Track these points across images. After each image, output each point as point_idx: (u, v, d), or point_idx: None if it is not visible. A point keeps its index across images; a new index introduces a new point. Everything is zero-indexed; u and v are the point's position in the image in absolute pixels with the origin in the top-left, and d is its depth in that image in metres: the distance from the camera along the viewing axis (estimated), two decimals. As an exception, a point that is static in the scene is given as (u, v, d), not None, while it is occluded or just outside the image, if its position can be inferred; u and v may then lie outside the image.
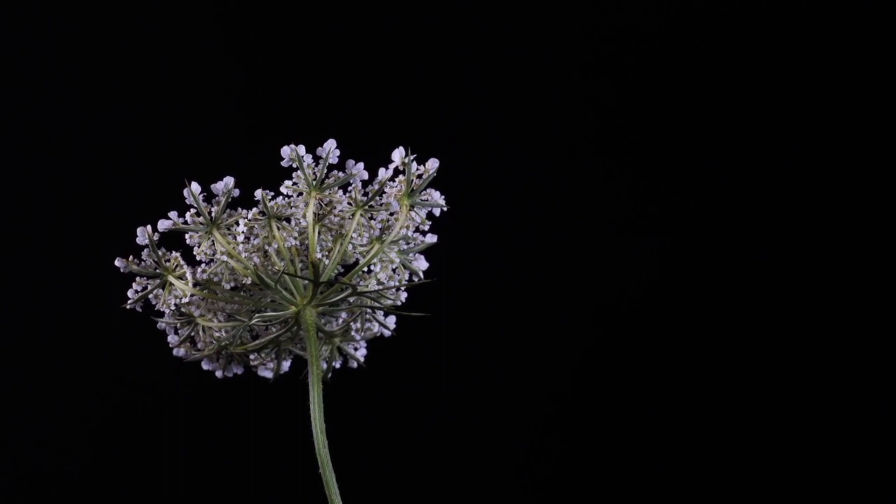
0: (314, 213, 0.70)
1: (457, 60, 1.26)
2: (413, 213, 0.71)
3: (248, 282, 0.70)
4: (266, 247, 0.70)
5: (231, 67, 1.26)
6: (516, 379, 1.25)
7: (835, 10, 1.24)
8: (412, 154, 0.71)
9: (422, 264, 0.73)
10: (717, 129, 1.26)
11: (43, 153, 1.24)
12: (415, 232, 0.73)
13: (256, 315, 0.70)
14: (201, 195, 0.70)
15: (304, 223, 0.70)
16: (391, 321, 0.73)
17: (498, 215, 1.26)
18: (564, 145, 1.26)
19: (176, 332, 0.72)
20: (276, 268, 0.70)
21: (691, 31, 1.25)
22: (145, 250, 0.71)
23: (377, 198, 0.71)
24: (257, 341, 0.71)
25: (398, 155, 0.71)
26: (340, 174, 0.71)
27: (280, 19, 1.26)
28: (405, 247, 0.73)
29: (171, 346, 0.73)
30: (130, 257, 0.72)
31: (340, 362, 0.74)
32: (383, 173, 0.71)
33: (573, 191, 1.26)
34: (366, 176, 0.71)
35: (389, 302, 0.72)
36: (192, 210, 0.70)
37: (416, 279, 0.73)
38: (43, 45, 1.24)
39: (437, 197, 0.72)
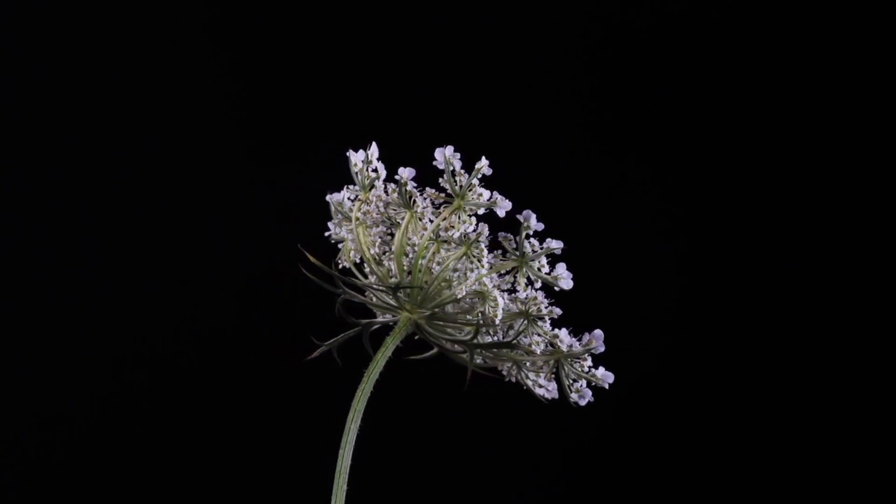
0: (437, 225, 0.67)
1: (457, 62, 1.26)
2: (461, 214, 0.67)
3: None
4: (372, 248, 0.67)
5: (230, 69, 1.26)
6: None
7: (837, 7, 1.24)
8: (457, 153, 0.68)
9: (560, 273, 0.69)
10: (717, 129, 1.26)
11: (43, 153, 1.23)
12: (532, 237, 0.69)
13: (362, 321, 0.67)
14: (346, 198, 0.68)
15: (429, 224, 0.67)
16: (598, 337, 0.69)
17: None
18: (565, 145, 1.26)
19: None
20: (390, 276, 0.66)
21: (695, 30, 1.25)
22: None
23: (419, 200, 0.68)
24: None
25: (442, 154, 0.68)
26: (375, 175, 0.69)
27: (279, 20, 1.26)
28: (536, 258, 0.68)
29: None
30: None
31: (583, 384, 0.70)
32: (403, 172, 0.68)
33: (574, 191, 1.26)
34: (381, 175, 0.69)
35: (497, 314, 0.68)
36: (337, 218, 0.69)
37: (556, 288, 0.69)
38: (43, 47, 1.23)
39: (486, 197, 0.68)
